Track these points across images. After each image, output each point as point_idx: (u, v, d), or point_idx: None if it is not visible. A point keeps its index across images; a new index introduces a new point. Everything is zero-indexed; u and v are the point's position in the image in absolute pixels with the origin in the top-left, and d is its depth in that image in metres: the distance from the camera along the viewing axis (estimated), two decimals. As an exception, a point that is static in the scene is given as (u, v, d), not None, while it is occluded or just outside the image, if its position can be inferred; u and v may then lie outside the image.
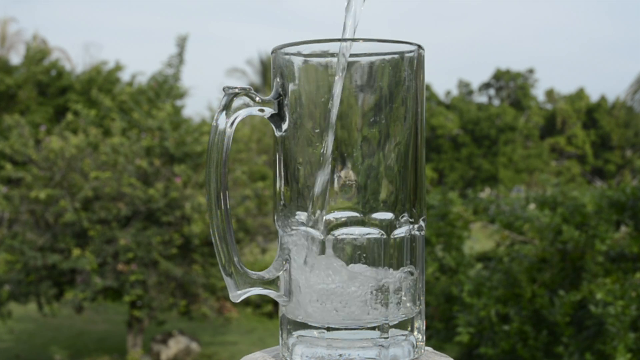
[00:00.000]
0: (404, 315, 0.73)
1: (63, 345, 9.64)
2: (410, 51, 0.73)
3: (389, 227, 0.71)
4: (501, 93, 32.30)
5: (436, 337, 5.96)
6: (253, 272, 0.73)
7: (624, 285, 4.56)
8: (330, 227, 0.70)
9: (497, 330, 5.03)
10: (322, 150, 0.70)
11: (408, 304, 0.73)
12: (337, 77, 0.69)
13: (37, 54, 15.25)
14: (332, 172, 0.70)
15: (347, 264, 0.70)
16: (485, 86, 32.52)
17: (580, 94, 30.75)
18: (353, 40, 0.71)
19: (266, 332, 10.58)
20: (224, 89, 0.72)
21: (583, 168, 28.55)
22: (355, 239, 0.71)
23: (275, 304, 7.88)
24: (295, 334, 0.73)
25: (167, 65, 9.76)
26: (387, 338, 0.71)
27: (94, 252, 7.68)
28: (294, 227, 0.72)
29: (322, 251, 0.71)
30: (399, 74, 0.72)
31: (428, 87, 28.61)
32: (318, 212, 0.70)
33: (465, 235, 5.97)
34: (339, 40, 0.71)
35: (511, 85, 31.80)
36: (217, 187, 0.70)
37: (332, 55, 0.71)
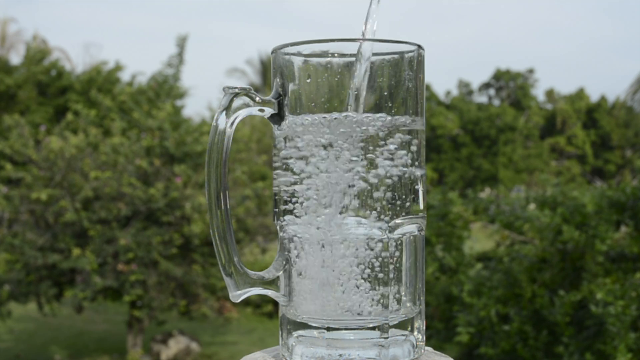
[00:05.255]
0: (404, 315, 0.73)
1: (63, 345, 9.64)
2: (410, 51, 0.73)
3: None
4: (501, 93, 32.30)
5: (436, 337, 5.96)
6: (253, 272, 0.73)
7: (624, 285, 4.56)
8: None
9: (497, 330, 5.03)
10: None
11: (408, 304, 0.73)
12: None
13: (37, 54, 15.25)
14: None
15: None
16: (485, 86, 32.52)
17: (580, 94, 30.75)
18: (360, 40, 0.71)
19: (266, 332, 10.58)
20: (224, 89, 0.72)
21: (583, 168, 28.55)
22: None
23: (275, 304, 7.88)
24: (295, 334, 0.73)
25: (167, 65, 9.76)
26: (387, 338, 0.71)
27: (94, 252, 7.68)
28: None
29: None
30: (399, 74, 0.72)
31: (428, 87, 28.62)
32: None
33: (465, 235, 5.97)
34: (339, 40, 0.71)
35: (511, 85, 31.80)
36: (217, 187, 0.70)
37: (332, 55, 0.71)
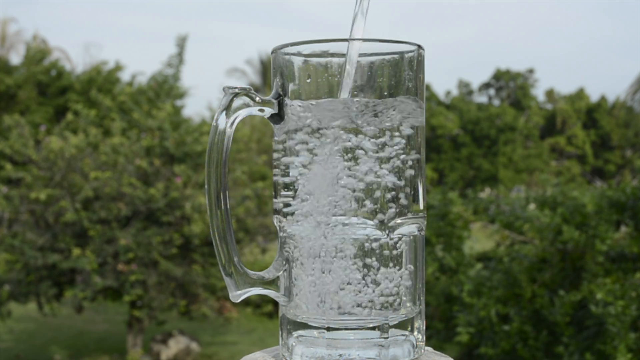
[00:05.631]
0: (404, 315, 0.73)
1: (63, 345, 9.63)
2: (410, 51, 0.73)
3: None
4: (501, 93, 32.30)
5: (436, 337, 5.96)
6: (253, 272, 0.73)
7: (624, 285, 4.56)
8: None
9: (497, 330, 5.03)
10: None
11: (408, 304, 0.73)
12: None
13: (37, 54, 15.26)
14: None
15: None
16: (485, 86, 32.51)
17: (580, 94, 30.75)
18: (350, 40, 0.71)
19: (266, 332, 10.58)
20: (224, 89, 0.72)
21: (583, 168, 28.55)
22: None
23: (275, 304, 7.88)
24: (295, 334, 0.73)
25: (167, 65, 9.76)
26: (387, 338, 0.71)
27: (94, 252, 7.68)
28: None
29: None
30: (399, 74, 0.72)
31: (428, 87, 28.61)
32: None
33: (465, 235, 5.96)
34: (339, 40, 0.71)
35: (511, 85, 31.80)
36: (217, 187, 0.70)
37: (332, 55, 0.71)
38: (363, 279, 0.70)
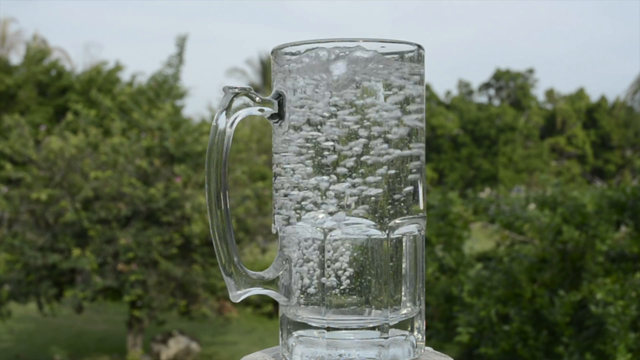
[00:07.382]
0: (404, 315, 0.72)
1: (63, 345, 9.63)
2: (410, 51, 0.73)
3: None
4: (501, 93, 32.29)
5: (436, 337, 5.96)
6: (253, 272, 0.73)
7: (624, 285, 4.56)
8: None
9: (497, 330, 5.03)
10: None
11: (408, 304, 0.73)
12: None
13: (37, 54, 15.24)
14: None
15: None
16: (485, 86, 32.51)
17: (580, 94, 30.75)
18: (353, 40, 0.71)
19: (266, 332, 10.57)
20: (224, 89, 0.72)
21: (583, 168, 28.54)
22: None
23: (275, 304, 7.88)
24: (295, 334, 0.73)
25: (167, 65, 9.75)
26: (387, 338, 0.71)
27: (94, 252, 7.67)
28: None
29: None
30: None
31: (428, 87, 28.60)
32: None
33: (465, 235, 5.96)
34: (339, 40, 0.71)
35: (511, 85, 31.79)
36: (217, 187, 0.70)
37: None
38: (363, 278, 0.70)
